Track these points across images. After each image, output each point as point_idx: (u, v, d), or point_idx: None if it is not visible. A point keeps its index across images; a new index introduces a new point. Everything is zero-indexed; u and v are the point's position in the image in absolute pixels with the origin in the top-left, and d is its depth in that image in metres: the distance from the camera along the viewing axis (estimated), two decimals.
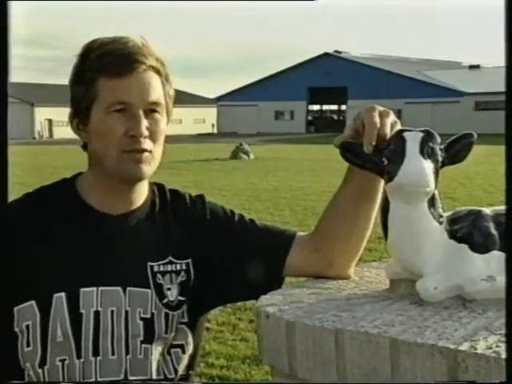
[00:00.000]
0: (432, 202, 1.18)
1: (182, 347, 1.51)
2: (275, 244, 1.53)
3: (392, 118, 1.31)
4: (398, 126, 1.30)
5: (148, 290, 1.46)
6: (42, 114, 59.38)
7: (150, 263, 1.47)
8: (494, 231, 1.19)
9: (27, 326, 1.41)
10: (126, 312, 1.43)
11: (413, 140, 1.17)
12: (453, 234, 1.20)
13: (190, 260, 1.51)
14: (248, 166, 21.13)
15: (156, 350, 1.46)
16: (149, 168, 1.42)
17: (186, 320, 1.51)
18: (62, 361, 1.41)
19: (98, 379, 1.41)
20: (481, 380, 0.93)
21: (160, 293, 1.47)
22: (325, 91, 61.80)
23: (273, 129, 60.48)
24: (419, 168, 1.14)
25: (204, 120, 70.39)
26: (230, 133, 58.01)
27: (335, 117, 70.42)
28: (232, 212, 1.58)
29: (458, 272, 1.17)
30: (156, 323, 1.45)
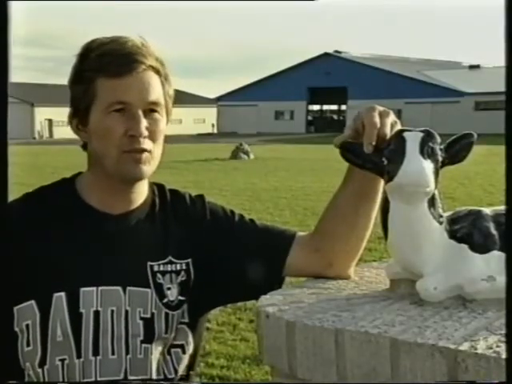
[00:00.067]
0: (432, 202, 1.18)
1: (182, 347, 1.51)
2: (275, 244, 1.53)
3: (392, 118, 1.31)
4: (398, 126, 1.30)
5: (148, 290, 1.46)
6: (42, 113, 59.39)
7: (149, 263, 1.47)
8: (494, 231, 1.19)
9: (27, 326, 1.41)
10: (126, 312, 1.43)
11: (413, 140, 1.17)
12: (453, 234, 1.20)
13: (189, 260, 1.51)
14: (248, 166, 21.13)
15: (156, 350, 1.46)
16: (148, 168, 1.42)
17: (186, 320, 1.51)
18: (62, 360, 1.41)
19: (98, 379, 1.41)
20: (481, 380, 0.93)
21: (160, 292, 1.47)
22: (325, 91, 61.81)
23: (273, 129, 60.49)
24: (419, 168, 1.14)
25: (204, 120, 70.40)
26: (230, 133, 58.02)
27: (335, 117, 70.42)
28: (232, 212, 1.58)
29: (458, 272, 1.18)
30: (156, 323, 1.45)
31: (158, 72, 1.43)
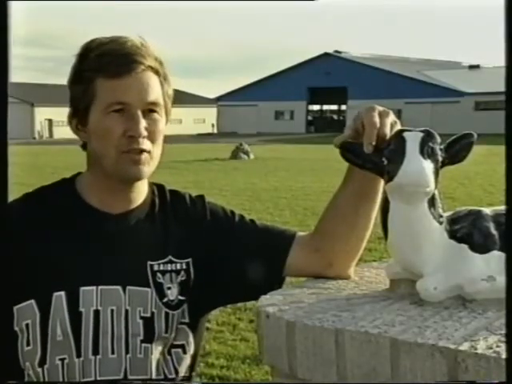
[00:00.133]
0: (432, 202, 1.18)
1: (182, 347, 1.51)
2: (275, 244, 1.53)
3: (392, 118, 1.31)
4: (398, 126, 1.30)
5: (148, 289, 1.46)
6: (41, 113, 59.38)
7: (149, 262, 1.47)
8: (494, 231, 1.19)
9: (27, 325, 1.41)
10: (126, 311, 1.43)
11: (413, 140, 1.17)
12: (453, 234, 1.20)
13: (190, 260, 1.51)
14: (248, 166, 21.13)
15: (156, 350, 1.46)
16: (147, 168, 1.42)
17: (186, 320, 1.51)
18: (62, 360, 1.41)
19: (98, 378, 1.41)
20: (481, 380, 0.93)
21: (160, 292, 1.47)
22: (325, 91, 61.80)
23: (273, 129, 60.49)
24: (419, 168, 1.14)
25: (204, 120, 70.40)
26: (230, 133, 58.02)
27: (335, 117, 70.42)
28: (232, 212, 1.58)
29: (458, 272, 1.17)
30: (156, 322, 1.45)
31: (157, 72, 1.43)
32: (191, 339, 1.53)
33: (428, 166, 1.15)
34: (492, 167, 16.05)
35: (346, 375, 1.08)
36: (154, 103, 1.42)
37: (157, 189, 1.56)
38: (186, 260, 1.51)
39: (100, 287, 1.42)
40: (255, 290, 1.39)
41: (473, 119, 49.32)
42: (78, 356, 1.41)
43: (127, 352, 1.43)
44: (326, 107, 72.71)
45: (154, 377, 1.45)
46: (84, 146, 1.49)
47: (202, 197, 1.60)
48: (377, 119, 1.28)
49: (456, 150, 1.22)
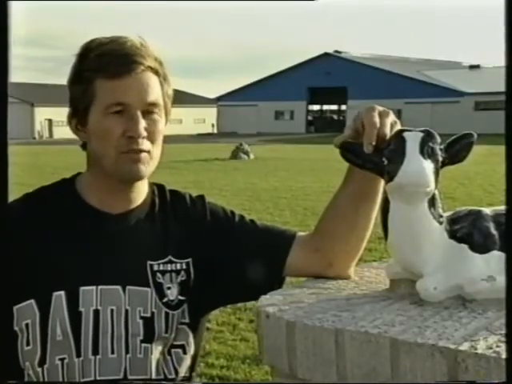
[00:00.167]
0: (432, 202, 1.18)
1: (182, 347, 1.51)
2: (275, 244, 1.53)
3: (392, 118, 1.31)
4: (398, 126, 1.30)
5: (148, 289, 1.46)
6: (42, 113, 59.39)
7: (149, 262, 1.47)
8: (494, 231, 1.19)
9: (27, 325, 1.41)
10: (126, 311, 1.43)
11: (413, 140, 1.17)
12: (453, 234, 1.20)
13: (189, 260, 1.51)
14: (248, 166, 21.13)
15: (156, 350, 1.46)
16: (147, 168, 1.43)
17: (186, 320, 1.51)
18: (62, 360, 1.41)
19: (98, 378, 1.41)
20: (481, 380, 0.93)
21: (160, 292, 1.47)
22: (325, 91, 61.81)
23: (273, 129, 60.49)
24: (419, 168, 1.14)
25: (204, 120, 70.40)
26: (230, 133, 58.02)
27: (335, 117, 70.43)
28: (232, 212, 1.58)
29: (458, 272, 1.17)
30: (156, 322, 1.45)
31: (156, 72, 1.43)
32: (191, 339, 1.53)
33: (428, 165, 1.15)
34: (492, 167, 16.05)
35: (346, 375, 1.08)
36: (154, 104, 1.42)
37: (157, 189, 1.56)
38: (186, 260, 1.51)
39: (100, 287, 1.42)
40: (255, 290, 1.39)
41: (473, 119, 49.33)
42: (78, 356, 1.41)
43: (127, 352, 1.43)
44: (326, 107, 72.73)
45: (153, 377, 1.45)
46: (84, 146, 1.49)
47: (202, 197, 1.60)
48: (377, 119, 1.28)
49: (456, 150, 1.22)
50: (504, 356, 0.91)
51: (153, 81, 1.42)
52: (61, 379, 1.41)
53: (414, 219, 1.18)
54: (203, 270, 1.51)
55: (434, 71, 61.21)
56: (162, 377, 1.47)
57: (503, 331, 0.99)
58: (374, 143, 1.25)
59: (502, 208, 1.14)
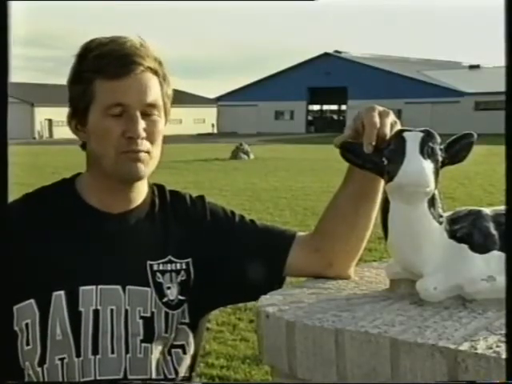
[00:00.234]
0: (432, 202, 1.18)
1: (182, 347, 1.51)
2: (275, 244, 1.53)
3: (392, 118, 1.31)
4: (398, 126, 1.30)
5: (148, 289, 1.46)
6: (42, 113, 59.39)
7: (149, 262, 1.47)
8: (493, 231, 1.19)
9: (26, 325, 1.41)
10: (126, 311, 1.43)
11: (413, 140, 1.17)
12: (453, 234, 1.20)
13: (189, 259, 1.51)
14: (248, 166, 21.13)
15: (156, 350, 1.46)
16: (146, 168, 1.43)
17: (186, 320, 1.51)
18: (62, 359, 1.41)
19: (98, 378, 1.41)
20: (481, 380, 0.93)
21: (160, 292, 1.47)
22: (325, 91, 61.80)
23: (273, 129, 60.49)
24: (419, 168, 1.14)
25: (204, 120, 70.40)
26: (230, 133, 58.02)
27: (335, 117, 70.43)
28: (232, 213, 1.58)
29: (458, 272, 1.17)
30: (156, 322, 1.45)
31: (156, 73, 1.43)
32: (191, 339, 1.53)
33: (428, 165, 1.15)
34: (492, 167, 16.05)
35: (345, 375, 1.08)
36: (153, 104, 1.42)
37: (157, 189, 1.56)
38: (186, 260, 1.51)
39: (100, 287, 1.43)
40: (255, 290, 1.39)
41: (473, 119, 49.33)
42: (78, 356, 1.41)
43: (127, 352, 1.43)
44: (325, 107, 72.72)
45: (153, 377, 1.45)
46: (83, 146, 1.49)
47: (202, 197, 1.60)
48: (377, 119, 1.28)
49: (456, 150, 1.22)
50: (504, 356, 0.91)
51: (152, 81, 1.42)
52: (60, 379, 1.41)
53: (414, 219, 1.18)
54: (203, 269, 1.51)
55: (433, 71, 61.21)
56: (162, 377, 1.48)
57: (503, 331, 0.99)
58: (373, 143, 1.25)
59: (502, 208, 1.14)
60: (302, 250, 1.51)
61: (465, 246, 1.19)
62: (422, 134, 1.18)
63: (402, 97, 53.82)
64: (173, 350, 1.50)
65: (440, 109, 54.18)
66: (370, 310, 1.18)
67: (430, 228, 1.18)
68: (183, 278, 1.50)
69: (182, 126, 59.21)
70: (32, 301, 1.41)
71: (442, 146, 1.20)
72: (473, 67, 66.73)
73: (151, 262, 1.48)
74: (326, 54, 63.07)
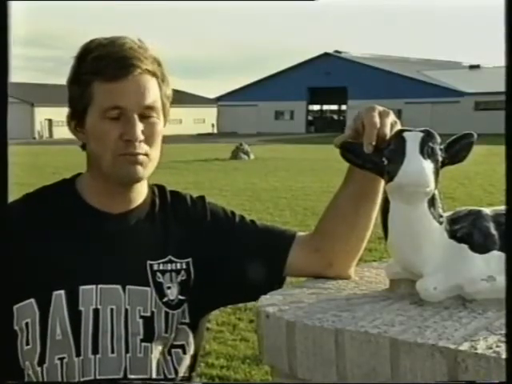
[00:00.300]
0: (432, 202, 1.18)
1: (182, 347, 1.51)
2: (275, 244, 1.53)
3: (392, 118, 1.31)
4: (398, 126, 1.30)
5: (148, 289, 1.46)
6: (41, 113, 59.39)
7: (149, 262, 1.47)
8: (493, 231, 1.19)
9: (26, 324, 1.41)
10: (126, 310, 1.43)
11: (413, 140, 1.17)
12: (453, 234, 1.20)
13: (190, 259, 1.51)
14: (248, 166, 21.13)
15: (156, 349, 1.46)
16: (145, 170, 1.43)
17: (187, 320, 1.51)
18: (61, 359, 1.41)
19: (98, 377, 1.41)
20: (481, 380, 0.93)
21: (160, 291, 1.47)
22: (325, 91, 61.80)
23: (273, 129, 60.49)
24: (419, 168, 1.14)
25: (204, 120, 70.40)
26: (230, 133, 58.02)
27: (335, 117, 70.45)
28: (233, 213, 1.59)
29: (458, 272, 1.17)
30: (156, 322, 1.45)
31: (154, 74, 1.42)
32: (191, 339, 1.53)
33: (428, 165, 1.15)
34: (492, 167, 16.05)
35: (345, 375, 1.08)
36: (151, 107, 1.41)
37: (157, 189, 1.57)
38: (186, 260, 1.51)
39: (100, 286, 1.43)
40: (255, 290, 1.39)
41: (473, 119, 49.32)
42: (78, 355, 1.41)
43: (127, 351, 1.43)
44: (325, 107, 72.73)
45: (153, 376, 1.45)
46: (83, 147, 1.49)
47: (202, 197, 1.60)
48: (377, 119, 1.28)
49: (456, 150, 1.22)
50: (504, 356, 0.91)
51: (150, 83, 1.41)
52: (60, 379, 1.41)
53: (414, 219, 1.18)
54: (203, 269, 1.51)
55: (433, 71, 61.20)
56: (162, 376, 1.48)
57: (503, 331, 0.99)
58: (374, 143, 1.25)
59: (502, 208, 1.14)
60: (302, 250, 1.51)
61: (465, 246, 1.19)
62: (421, 134, 1.18)
63: (402, 97, 53.81)
64: (173, 350, 1.50)
65: (440, 109, 54.18)
66: (369, 310, 1.18)
67: (430, 228, 1.18)
68: (183, 278, 1.50)
69: (181, 125, 59.22)
70: (32, 300, 1.41)
71: (441, 146, 1.20)
72: (473, 67, 66.73)
73: (151, 262, 1.48)
74: (326, 54, 63.07)
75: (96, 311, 1.42)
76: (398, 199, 1.18)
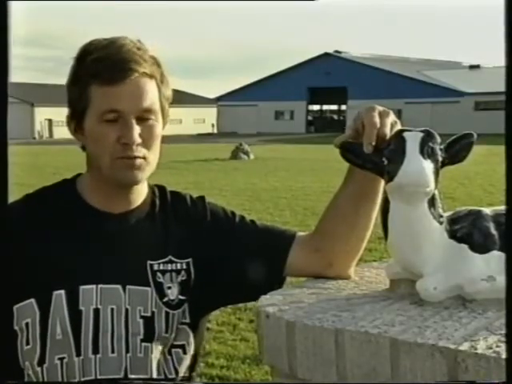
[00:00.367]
0: (432, 202, 1.18)
1: (183, 347, 1.51)
2: (276, 244, 1.53)
3: (392, 118, 1.31)
4: (398, 126, 1.30)
5: (148, 289, 1.46)
6: (41, 114, 59.39)
7: (149, 262, 1.48)
8: (493, 231, 1.19)
9: (26, 324, 1.42)
10: (126, 310, 1.43)
11: (413, 140, 1.17)
12: (453, 234, 1.20)
13: (190, 259, 1.51)
14: (248, 166, 21.13)
15: (156, 349, 1.46)
16: (142, 173, 1.43)
17: (187, 320, 1.51)
18: (61, 359, 1.41)
19: (98, 377, 1.41)
20: (481, 380, 0.93)
21: (160, 291, 1.47)
22: (325, 91, 61.80)
23: (273, 129, 60.49)
24: (419, 168, 1.14)
25: (204, 120, 70.39)
26: (230, 133, 58.01)
27: (335, 117, 70.45)
28: (233, 213, 1.59)
29: (458, 272, 1.18)
30: (156, 322, 1.46)
31: (153, 76, 1.42)
32: (192, 339, 1.53)
33: (428, 165, 1.15)
34: (492, 167, 16.05)
35: (345, 375, 1.08)
36: (149, 109, 1.41)
37: (158, 190, 1.57)
38: (187, 260, 1.51)
39: (100, 286, 1.43)
40: (255, 290, 1.39)
41: (473, 119, 49.32)
42: (78, 355, 1.41)
43: (127, 351, 1.43)
44: (325, 107, 72.72)
45: (154, 376, 1.45)
46: (84, 147, 1.49)
47: (202, 198, 1.60)
48: (377, 119, 1.28)
49: (456, 150, 1.22)
50: (504, 356, 0.91)
51: (148, 86, 1.41)
52: (60, 379, 1.41)
53: (414, 219, 1.18)
54: (203, 269, 1.51)
55: (433, 71, 61.20)
56: (163, 376, 1.48)
57: (503, 331, 0.99)
58: (373, 143, 1.25)
59: (502, 208, 1.14)
60: (302, 250, 1.51)
61: (465, 246, 1.19)
62: (422, 134, 1.18)
63: (402, 97, 53.80)
64: (173, 350, 1.50)
65: (440, 109, 54.17)
66: (370, 309, 1.18)
67: (430, 228, 1.18)
68: (183, 278, 1.50)
69: (181, 126, 59.22)
70: (32, 300, 1.41)
71: (441, 146, 1.20)
72: (473, 67, 66.72)
73: (151, 262, 1.48)
74: (326, 54, 63.07)
75: (96, 311, 1.42)
76: (398, 199, 1.18)
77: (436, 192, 1.19)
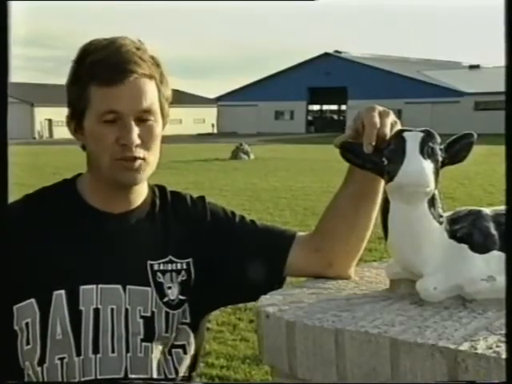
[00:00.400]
0: (432, 202, 1.18)
1: (183, 347, 1.51)
2: (276, 244, 1.53)
3: (392, 118, 1.31)
4: (398, 126, 1.30)
5: (148, 289, 1.46)
6: (42, 113, 59.39)
7: (150, 262, 1.48)
8: (493, 231, 1.19)
9: (27, 324, 1.42)
10: (126, 310, 1.43)
11: (413, 140, 1.17)
12: (453, 234, 1.20)
13: (190, 259, 1.51)
14: (248, 166, 21.13)
15: (156, 349, 1.46)
16: (142, 174, 1.42)
17: (187, 320, 1.51)
18: (61, 359, 1.41)
19: (98, 377, 1.41)
20: (481, 380, 0.93)
21: (160, 291, 1.47)
22: (325, 91, 61.79)
23: (273, 129, 60.48)
24: (419, 168, 1.14)
25: (204, 120, 70.40)
26: (230, 133, 58.01)
27: (335, 117, 70.44)
28: (233, 213, 1.59)
29: (458, 272, 1.18)
30: (156, 322, 1.46)
31: (152, 77, 1.42)
32: (192, 339, 1.53)
33: (428, 166, 1.15)
34: (492, 167, 16.05)
35: (345, 375, 1.08)
36: (148, 110, 1.41)
37: (158, 190, 1.57)
38: (187, 260, 1.51)
39: (100, 286, 1.43)
40: (255, 290, 1.39)
41: (473, 119, 49.31)
42: (78, 355, 1.41)
43: (127, 351, 1.43)
44: (325, 107, 72.72)
45: (154, 376, 1.45)
46: (84, 147, 1.49)
47: (202, 198, 1.60)
48: (377, 119, 1.28)
49: (456, 150, 1.22)
50: (504, 356, 0.91)
51: (147, 86, 1.41)
52: (60, 379, 1.41)
53: (414, 219, 1.18)
54: (204, 269, 1.51)
55: (433, 71, 61.19)
56: (163, 376, 1.48)
57: (503, 331, 0.99)
58: (373, 143, 1.25)
59: (502, 208, 1.14)
60: (302, 250, 1.51)
61: (465, 246, 1.19)
62: (422, 134, 1.18)
63: (402, 97, 53.79)
64: (173, 350, 1.50)
65: (440, 109, 54.17)
66: (370, 309, 1.18)
67: (430, 228, 1.18)
68: (184, 278, 1.50)
69: (181, 125, 59.24)
70: (32, 300, 1.41)
71: (441, 146, 1.20)
72: (473, 67, 66.72)
73: (152, 262, 1.48)
74: (326, 54, 63.06)
75: (96, 311, 1.42)
76: (398, 199, 1.18)
77: (436, 192, 1.19)
